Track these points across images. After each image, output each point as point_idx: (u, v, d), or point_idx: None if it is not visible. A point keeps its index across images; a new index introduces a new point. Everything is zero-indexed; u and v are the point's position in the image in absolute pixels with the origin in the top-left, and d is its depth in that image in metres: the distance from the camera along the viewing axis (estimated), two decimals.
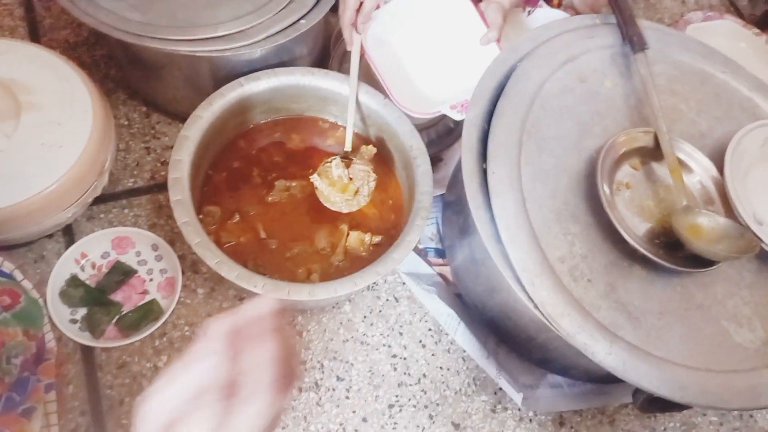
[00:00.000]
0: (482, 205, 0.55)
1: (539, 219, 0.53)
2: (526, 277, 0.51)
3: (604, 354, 0.49)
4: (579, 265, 0.53)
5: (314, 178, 0.67)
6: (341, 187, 0.67)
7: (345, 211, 0.67)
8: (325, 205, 0.67)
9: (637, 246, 0.52)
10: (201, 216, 0.63)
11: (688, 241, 0.52)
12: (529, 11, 0.84)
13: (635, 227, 0.55)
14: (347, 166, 0.68)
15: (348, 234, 0.68)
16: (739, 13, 1.11)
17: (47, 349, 0.59)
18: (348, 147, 0.69)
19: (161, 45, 0.61)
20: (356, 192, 0.68)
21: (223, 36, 0.63)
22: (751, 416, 0.72)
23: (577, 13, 1.00)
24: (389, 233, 0.69)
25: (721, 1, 1.13)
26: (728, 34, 1.00)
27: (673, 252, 0.54)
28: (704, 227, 0.55)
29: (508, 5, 0.74)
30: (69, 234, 0.69)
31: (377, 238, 0.68)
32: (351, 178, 0.68)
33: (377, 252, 0.65)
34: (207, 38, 0.63)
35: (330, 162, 0.68)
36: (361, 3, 0.66)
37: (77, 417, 0.60)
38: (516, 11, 0.86)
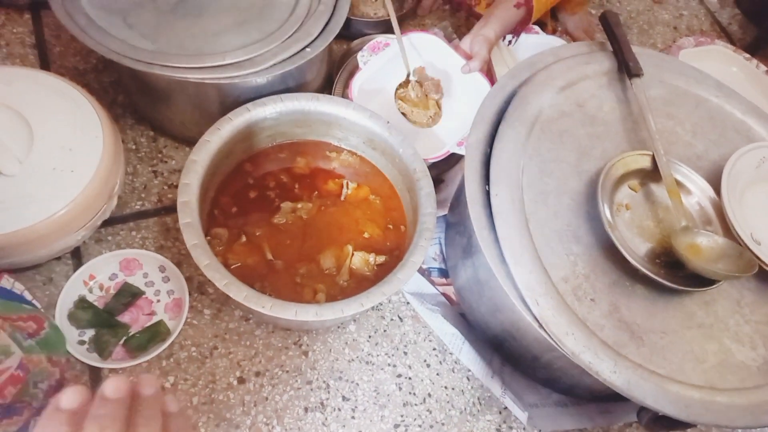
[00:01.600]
0: (486, 226, 0.56)
1: (542, 240, 0.55)
2: (530, 296, 0.52)
3: (609, 373, 0.50)
4: (582, 285, 0.54)
5: (398, 104, 0.77)
6: (423, 104, 0.76)
7: (432, 126, 0.78)
8: (415, 125, 0.77)
9: (638, 266, 0.53)
10: (209, 238, 0.63)
11: (688, 260, 0.53)
12: (509, 41, 0.87)
13: (636, 247, 0.57)
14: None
15: (352, 254, 0.69)
16: (729, 39, 1.15)
17: (66, 377, 0.59)
18: (408, 70, 0.77)
19: (171, 73, 0.63)
20: (437, 104, 0.78)
21: (231, 64, 0.65)
22: None
23: (573, 39, 1.03)
24: (392, 254, 0.70)
25: (712, 26, 1.17)
26: (720, 58, 1.02)
27: (674, 271, 0.55)
28: (703, 247, 0.56)
29: (494, 38, 0.77)
30: (77, 256, 0.69)
31: (381, 258, 0.69)
32: (426, 95, 0.77)
33: (381, 272, 0.66)
34: (215, 66, 0.64)
35: (404, 88, 0.77)
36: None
37: None
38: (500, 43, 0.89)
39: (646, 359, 0.52)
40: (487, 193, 0.57)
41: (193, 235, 0.59)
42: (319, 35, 0.70)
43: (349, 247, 0.69)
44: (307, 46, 0.69)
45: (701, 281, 0.54)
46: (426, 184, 0.69)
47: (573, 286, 0.54)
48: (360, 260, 0.69)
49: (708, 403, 0.50)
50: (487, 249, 0.55)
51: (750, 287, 0.58)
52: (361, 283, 0.66)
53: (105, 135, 0.64)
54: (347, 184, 0.74)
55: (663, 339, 0.53)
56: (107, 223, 0.70)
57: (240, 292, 0.57)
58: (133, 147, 0.78)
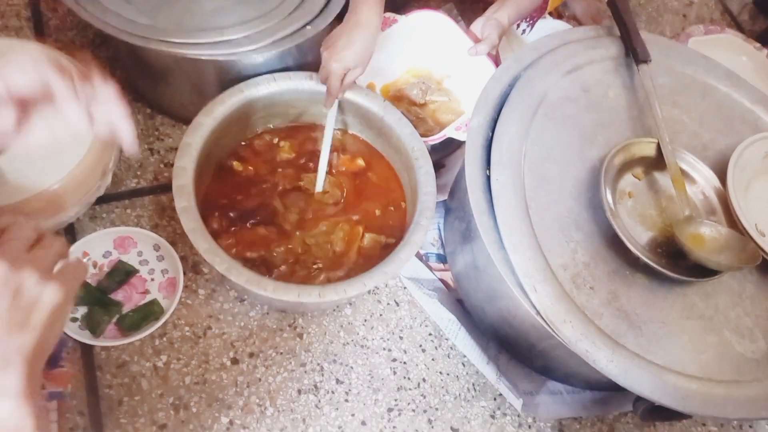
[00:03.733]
0: (485, 211, 0.55)
1: (542, 226, 0.54)
2: (528, 283, 0.51)
3: (606, 361, 0.49)
4: (581, 273, 0.53)
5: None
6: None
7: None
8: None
9: (639, 254, 0.52)
10: (208, 221, 0.62)
11: (691, 250, 0.52)
12: (523, 30, 0.85)
13: (638, 236, 0.56)
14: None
15: (363, 235, 0.68)
16: (739, 28, 1.13)
17: (62, 356, 0.58)
18: (319, 188, 0.70)
19: (168, 48, 0.61)
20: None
21: (228, 40, 0.63)
22: (751, 426, 0.72)
23: (580, 24, 1.01)
24: (396, 235, 0.69)
25: (722, 15, 1.14)
26: (729, 47, 1.01)
27: (675, 261, 0.54)
28: (706, 237, 0.55)
29: (507, 23, 0.74)
30: (71, 233, 0.69)
31: (392, 240, 0.68)
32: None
33: (383, 254, 0.65)
34: (213, 42, 0.63)
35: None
36: (345, 75, 0.65)
37: (75, 417, 0.59)
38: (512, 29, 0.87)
39: (644, 349, 0.51)
40: (488, 178, 0.56)
41: (190, 220, 0.58)
42: (320, 13, 0.69)
43: (360, 228, 0.68)
44: (307, 24, 0.67)
45: (703, 272, 0.53)
46: (425, 163, 0.67)
47: (572, 274, 0.53)
48: (370, 241, 0.68)
49: (705, 394, 0.50)
50: (486, 234, 0.54)
51: (752, 280, 0.57)
52: (368, 262, 0.66)
53: None
54: (337, 154, 0.73)
55: (662, 329, 0.52)
56: (102, 200, 0.69)
57: (241, 276, 0.56)
58: None
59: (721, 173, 0.59)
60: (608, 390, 0.67)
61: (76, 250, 0.65)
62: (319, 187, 0.70)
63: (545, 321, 0.50)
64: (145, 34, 0.62)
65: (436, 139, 0.71)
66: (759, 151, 0.61)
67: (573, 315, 0.51)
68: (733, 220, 0.57)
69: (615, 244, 0.54)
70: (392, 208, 0.71)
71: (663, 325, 0.52)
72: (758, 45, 1.01)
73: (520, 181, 0.55)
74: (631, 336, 0.51)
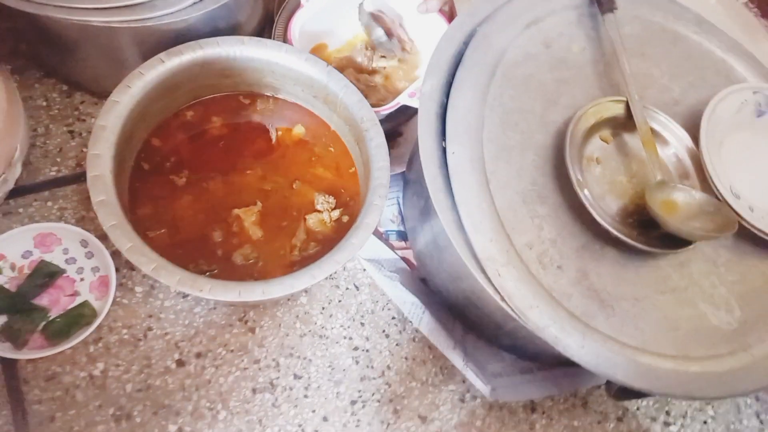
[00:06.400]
0: (442, 188, 0.50)
1: (504, 202, 0.49)
2: (491, 267, 0.47)
3: (576, 348, 0.45)
4: (548, 251, 0.49)
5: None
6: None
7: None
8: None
9: (609, 227, 0.48)
10: (133, 215, 0.56)
11: (663, 220, 0.48)
12: None
13: (607, 206, 0.51)
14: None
15: (305, 219, 0.62)
16: None
17: None
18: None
19: (67, 15, 0.53)
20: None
21: (141, 3, 0.55)
22: None
23: None
24: (350, 205, 0.63)
25: None
26: None
27: (647, 231, 0.50)
28: (679, 203, 0.51)
29: None
30: None
31: (337, 214, 0.62)
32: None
33: (341, 228, 0.60)
34: (122, 6, 0.54)
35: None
36: None
37: None
38: None
39: (617, 330, 0.47)
40: (444, 151, 0.51)
41: (110, 216, 0.51)
42: None
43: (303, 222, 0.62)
44: None
45: (676, 242, 0.49)
46: (376, 134, 0.61)
47: (538, 253, 0.48)
48: (315, 221, 0.62)
49: (680, 373, 0.47)
50: (444, 214, 0.49)
51: (726, 245, 0.54)
52: (324, 243, 0.61)
53: None
54: (275, 129, 0.66)
55: (635, 306, 0.49)
56: (16, 192, 0.62)
57: (173, 276, 0.50)
58: (44, 104, 0.68)
59: (694, 131, 0.55)
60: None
61: None
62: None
63: (511, 307, 0.46)
64: (40, 0, 0.53)
65: (388, 108, 0.64)
66: (732, 104, 0.57)
67: (540, 298, 0.46)
68: (707, 183, 0.52)
69: (583, 216, 0.50)
70: (345, 189, 0.65)
71: (636, 301, 0.49)
72: None
73: (479, 153, 0.50)
74: (602, 317, 0.47)
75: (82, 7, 0.54)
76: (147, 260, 0.50)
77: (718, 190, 0.52)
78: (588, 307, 0.48)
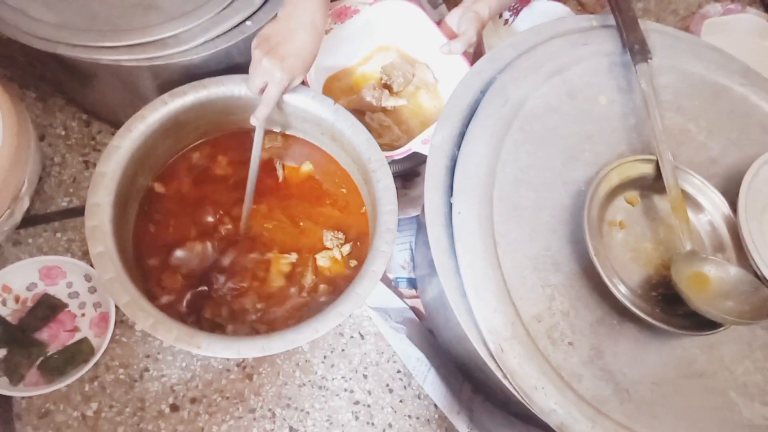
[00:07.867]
0: (447, 249, 0.46)
1: (513, 268, 0.45)
2: (493, 341, 0.43)
3: None
4: (559, 325, 0.44)
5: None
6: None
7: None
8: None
9: (627, 304, 0.43)
10: (140, 268, 0.55)
11: (690, 298, 0.43)
12: (506, 20, 0.74)
13: (629, 276, 0.47)
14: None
15: (315, 259, 0.60)
16: (764, 6, 1.00)
17: None
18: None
19: (79, 53, 0.53)
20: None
21: (152, 42, 0.54)
22: None
23: (583, 7, 0.90)
24: (360, 241, 0.62)
25: None
26: (750, 30, 0.89)
27: (673, 307, 0.46)
28: (711, 278, 0.46)
29: (487, 16, 0.63)
30: None
31: (348, 248, 0.61)
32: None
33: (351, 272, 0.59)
34: (133, 45, 0.54)
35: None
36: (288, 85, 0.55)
37: None
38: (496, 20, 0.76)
39: (632, 418, 0.43)
40: (452, 207, 0.48)
41: (108, 267, 0.50)
42: (263, 4, 0.59)
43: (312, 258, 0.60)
44: (247, 19, 0.58)
45: (706, 322, 0.44)
46: (384, 175, 0.58)
47: (548, 326, 0.44)
48: (325, 259, 0.60)
49: None
50: (446, 279, 0.45)
51: (765, 325, 0.48)
52: (336, 281, 0.59)
53: (4, 122, 0.54)
54: (281, 165, 0.64)
55: (654, 392, 0.44)
56: (27, 222, 0.62)
57: (170, 332, 0.48)
58: (63, 133, 0.69)
59: (733, 196, 0.49)
60: None
61: None
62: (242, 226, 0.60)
63: (513, 387, 0.42)
64: (49, 36, 0.53)
65: (399, 154, 0.61)
66: None
67: (546, 379, 0.42)
68: (745, 257, 0.47)
69: (600, 287, 0.45)
70: (356, 231, 0.63)
71: (655, 386, 0.44)
72: None
73: (488, 212, 0.46)
74: (616, 401, 0.43)
75: (92, 45, 0.53)
76: (144, 315, 0.48)
77: (757, 265, 0.46)
78: (600, 390, 0.43)
